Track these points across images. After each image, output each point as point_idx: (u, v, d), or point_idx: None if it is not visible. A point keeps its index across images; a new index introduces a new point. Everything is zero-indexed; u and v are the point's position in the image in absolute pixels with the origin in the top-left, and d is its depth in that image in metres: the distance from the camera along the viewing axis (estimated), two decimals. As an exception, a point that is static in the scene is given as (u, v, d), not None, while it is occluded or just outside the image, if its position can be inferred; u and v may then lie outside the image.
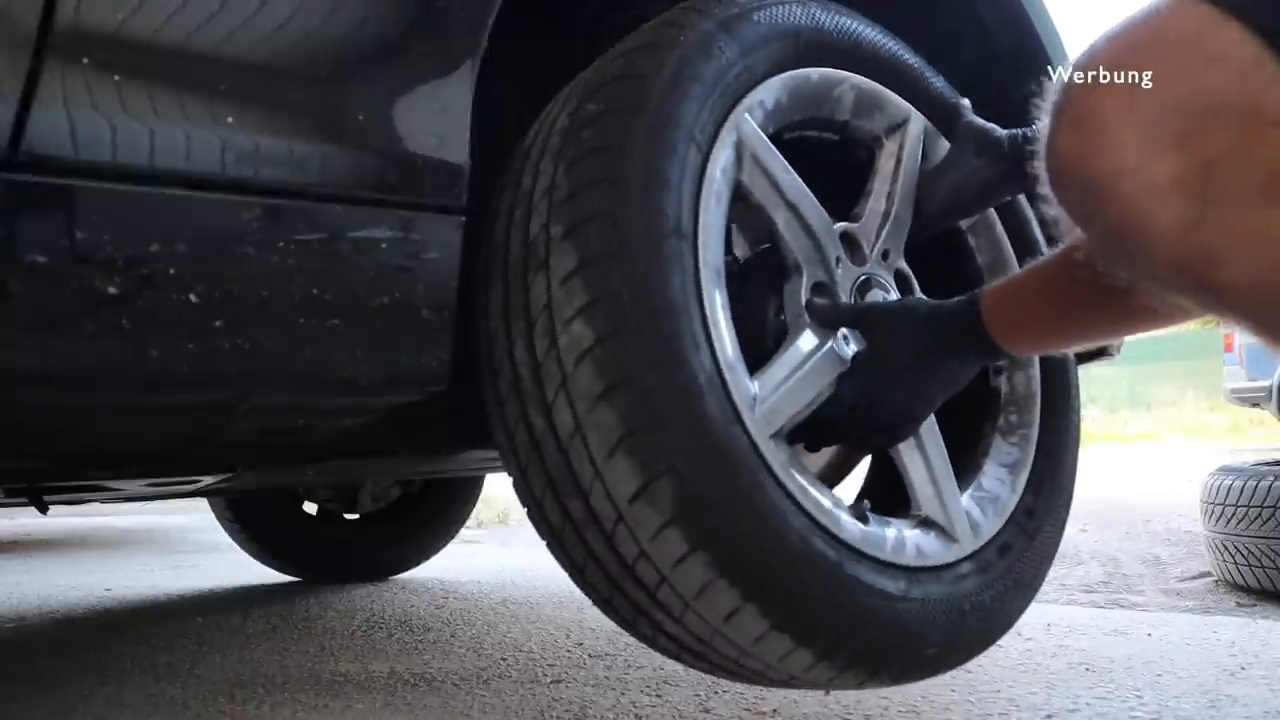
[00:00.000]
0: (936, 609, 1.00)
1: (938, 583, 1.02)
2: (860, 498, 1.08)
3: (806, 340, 1.01)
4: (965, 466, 1.16)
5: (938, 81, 1.21)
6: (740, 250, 1.13)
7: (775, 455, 0.91)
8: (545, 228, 0.90)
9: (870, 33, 1.14)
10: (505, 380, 0.94)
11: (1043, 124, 0.70)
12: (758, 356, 1.00)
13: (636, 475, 0.86)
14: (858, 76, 1.12)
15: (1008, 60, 1.37)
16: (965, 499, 1.11)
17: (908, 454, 1.06)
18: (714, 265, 0.93)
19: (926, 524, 1.05)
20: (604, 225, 0.88)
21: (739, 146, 0.99)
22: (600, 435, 0.86)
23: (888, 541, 0.99)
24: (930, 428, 1.08)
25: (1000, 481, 1.15)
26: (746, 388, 0.92)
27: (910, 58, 1.19)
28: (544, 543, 0.98)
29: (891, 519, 1.03)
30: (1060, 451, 1.22)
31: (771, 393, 0.95)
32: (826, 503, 0.95)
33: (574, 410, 0.87)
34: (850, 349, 1.04)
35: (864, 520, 0.99)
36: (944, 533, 1.06)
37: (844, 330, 1.04)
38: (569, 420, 0.88)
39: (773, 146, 1.02)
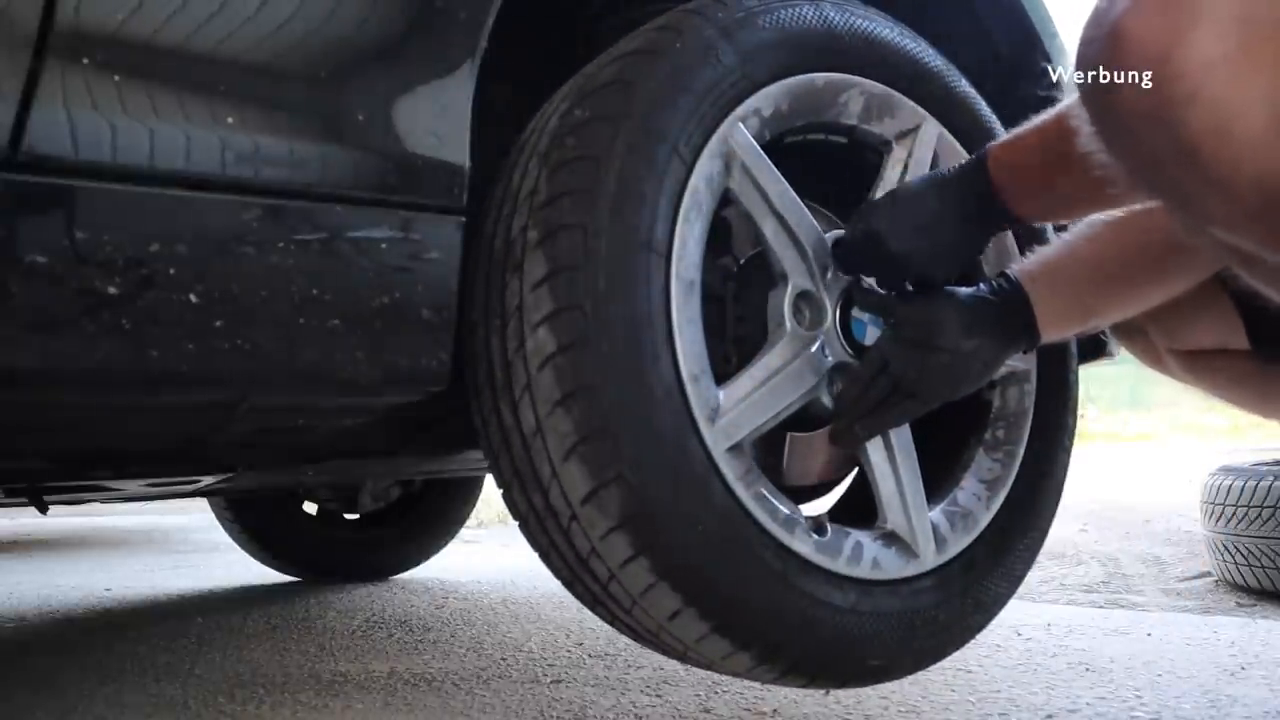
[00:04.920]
0: (885, 623, 1.00)
1: (892, 597, 1.02)
2: (833, 507, 1.09)
3: (780, 352, 1.01)
4: (942, 479, 1.14)
5: (961, 85, 1.18)
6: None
7: (731, 467, 0.93)
8: (524, 230, 0.92)
9: (887, 33, 1.11)
10: (482, 372, 0.96)
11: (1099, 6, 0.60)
12: (744, 360, 1.01)
13: (588, 480, 0.89)
14: (868, 81, 1.09)
15: (1008, 60, 1.37)
16: (936, 512, 1.09)
17: (879, 466, 1.05)
18: (688, 278, 0.94)
19: (889, 537, 1.04)
20: (574, 236, 0.89)
21: (728, 156, 0.98)
22: (557, 439, 0.89)
23: (843, 554, 0.99)
24: (905, 441, 1.07)
25: (976, 497, 1.13)
26: (709, 400, 0.93)
27: (933, 60, 1.16)
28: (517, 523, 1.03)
29: (854, 530, 1.02)
30: (1046, 473, 1.19)
31: (734, 405, 0.95)
32: (781, 514, 0.96)
33: (536, 412, 0.90)
34: (828, 360, 1.04)
35: (821, 532, 0.99)
36: (905, 547, 1.05)
37: (822, 340, 1.03)
38: (532, 420, 0.91)
39: (764, 156, 1.00)
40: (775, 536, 0.94)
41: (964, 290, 1.03)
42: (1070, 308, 1.02)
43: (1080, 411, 1.27)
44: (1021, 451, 1.17)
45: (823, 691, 1.30)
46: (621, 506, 0.88)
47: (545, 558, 1.01)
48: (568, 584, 1.02)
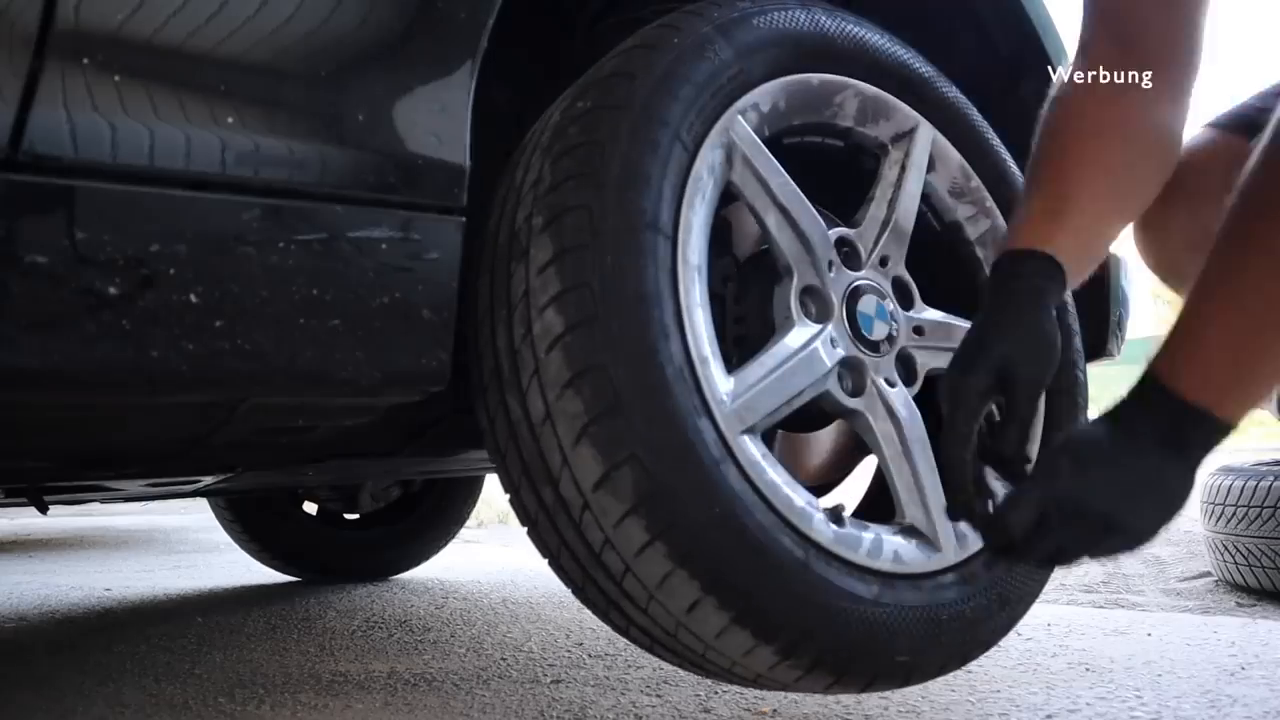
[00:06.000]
0: (910, 616, 0.99)
1: (915, 590, 1.01)
2: (859, 502, 1.07)
3: (790, 341, 1.01)
4: None
5: (950, 91, 1.20)
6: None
7: (745, 451, 0.92)
8: (529, 219, 0.93)
9: (877, 39, 1.13)
10: (487, 367, 0.96)
11: None
12: (747, 360, 1.00)
13: (599, 463, 0.88)
14: (862, 83, 1.11)
15: (1008, 60, 1.37)
16: None
17: (894, 462, 1.05)
18: (694, 261, 0.94)
19: (909, 531, 1.04)
20: (580, 216, 0.90)
21: (730, 148, 0.99)
22: (567, 422, 0.88)
23: (863, 546, 0.99)
24: (919, 436, 1.06)
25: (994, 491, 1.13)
26: (720, 383, 0.92)
27: (921, 66, 1.18)
28: (525, 529, 1.01)
29: (872, 524, 1.02)
30: None
31: (747, 389, 0.95)
32: (799, 502, 0.95)
33: (545, 397, 0.90)
34: (837, 351, 1.03)
35: (839, 522, 0.98)
36: (926, 541, 1.04)
37: (830, 330, 1.03)
38: (540, 407, 0.90)
39: (765, 149, 1.02)
40: (793, 522, 0.93)
41: (1105, 425, 0.86)
42: (1254, 383, 0.84)
43: (1088, 409, 1.27)
44: (1036, 449, 1.17)
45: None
46: (635, 487, 0.87)
47: (555, 560, 0.99)
48: (579, 587, 1.00)
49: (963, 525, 1.08)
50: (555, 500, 0.93)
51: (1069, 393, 1.22)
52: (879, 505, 1.15)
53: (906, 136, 1.14)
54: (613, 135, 0.92)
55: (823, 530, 0.95)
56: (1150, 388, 0.84)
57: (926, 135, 1.16)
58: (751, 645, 0.93)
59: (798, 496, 0.95)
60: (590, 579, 0.97)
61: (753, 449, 0.93)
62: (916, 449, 1.06)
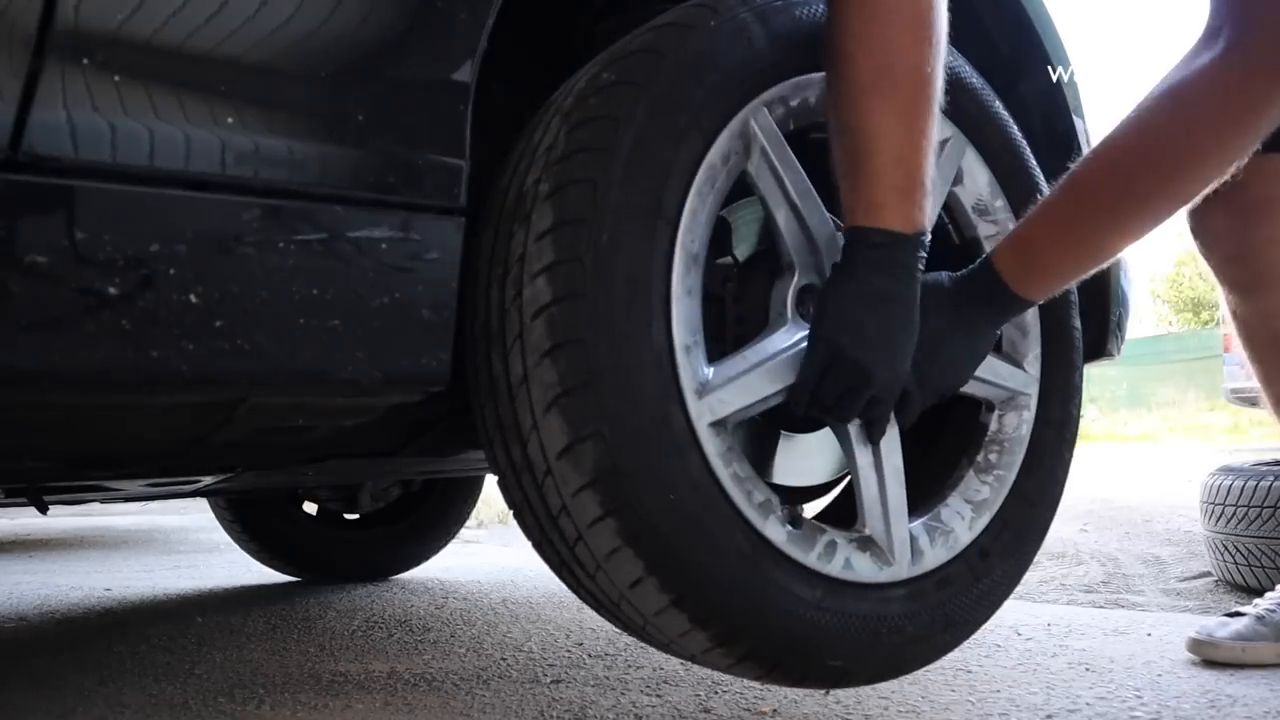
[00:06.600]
0: (850, 624, 0.99)
1: (860, 600, 1.01)
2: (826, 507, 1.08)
3: (778, 340, 1.01)
4: (928, 493, 1.14)
5: (993, 105, 1.18)
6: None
7: (712, 442, 0.93)
8: (536, 183, 0.93)
9: None
10: (479, 321, 0.97)
11: None
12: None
13: (565, 433, 0.89)
14: None
15: (1008, 60, 1.37)
16: (916, 524, 1.09)
17: (864, 470, 1.05)
18: (692, 249, 0.94)
19: (864, 541, 1.04)
20: (583, 190, 0.90)
21: (749, 139, 0.99)
22: (542, 389, 0.90)
23: (815, 549, 0.99)
24: (893, 449, 1.06)
25: (959, 516, 1.13)
26: (698, 372, 0.93)
27: (969, 76, 1.16)
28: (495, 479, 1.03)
29: (829, 528, 1.02)
30: (1037, 502, 1.19)
31: (724, 382, 0.95)
32: (757, 498, 0.96)
33: (525, 361, 0.91)
34: None
35: (796, 524, 0.99)
36: (880, 553, 1.04)
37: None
38: (520, 369, 0.91)
39: (786, 145, 1.01)
40: (747, 518, 0.94)
41: (949, 277, 1.08)
42: (1045, 275, 1.06)
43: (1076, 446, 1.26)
44: (1013, 478, 1.17)
45: (823, 691, 1.30)
46: (596, 463, 0.88)
47: (519, 514, 1.01)
48: (537, 544, 1.02)
49: (921, 542, 1.08)
50: (522, 460, 0.95)
51: (1058, 428, 1.22)
52: (839, 508, 1.15)
53: (938, 148, 1.11)
54: (629, 113, 0.92)
55: (776, 529, 0.96)
56: (983, 262, 1.07)
57: (958, 149, 1.14)
58: (687, 629, 0.94)
59: (756, 493, 0.96)
60: (547, 538, 0.99)
61: (719, 441, 0.94)
62: (888, 463, 1.05)
